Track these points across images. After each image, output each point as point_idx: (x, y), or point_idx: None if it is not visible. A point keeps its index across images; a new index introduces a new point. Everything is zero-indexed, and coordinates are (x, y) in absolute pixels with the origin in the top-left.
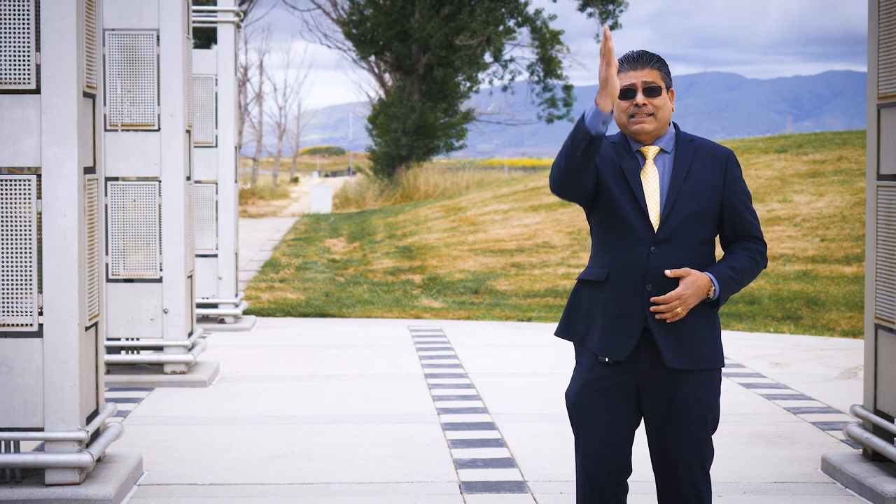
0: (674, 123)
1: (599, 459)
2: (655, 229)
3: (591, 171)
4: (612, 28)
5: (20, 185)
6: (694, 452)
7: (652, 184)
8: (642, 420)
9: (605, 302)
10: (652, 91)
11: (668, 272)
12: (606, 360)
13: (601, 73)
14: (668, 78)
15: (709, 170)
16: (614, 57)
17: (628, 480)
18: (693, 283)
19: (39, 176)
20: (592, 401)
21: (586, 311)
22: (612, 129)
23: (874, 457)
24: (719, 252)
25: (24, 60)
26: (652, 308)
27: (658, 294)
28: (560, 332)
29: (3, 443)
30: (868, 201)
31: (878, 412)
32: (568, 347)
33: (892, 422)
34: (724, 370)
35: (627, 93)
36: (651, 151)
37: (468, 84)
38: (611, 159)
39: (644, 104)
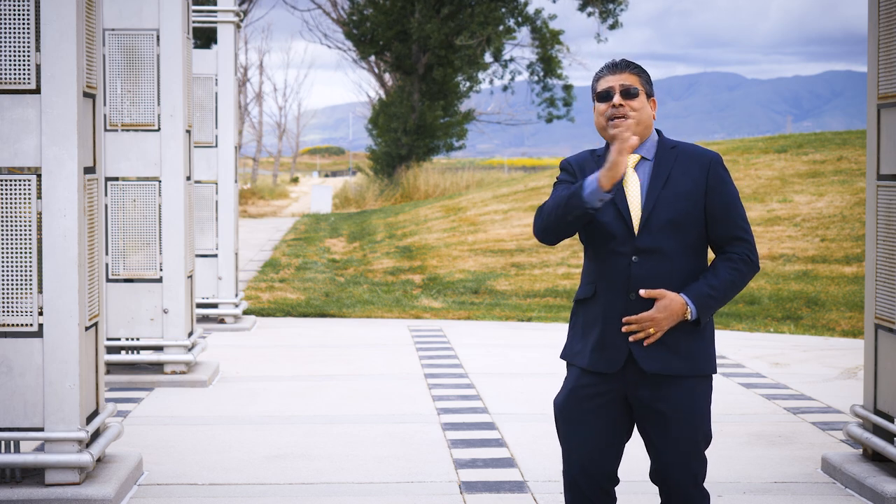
0: (657, 130)
1: (582, 467)
2: (635, 238)
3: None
4: (612, 28)
5: (20, 185)
6: (684, 463)
7: (633, 192)
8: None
9: (595, 317)
10: (629, 94)
11: (642, 292)
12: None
13: (612, 154)
14: (647, 85)
15: (691, 175)
16: (628, 145)
17: (618, 489)
18: (666, 307)
19: (39, 176)
20: (578, 408)
21: (584, 329)
22: (598, 143)
23: (874, 457)
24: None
25: (24, 60)
26: (624, 328)
27: (640, 305)
28: (563, 355)
29: (3, 443)
30: (868, 201)
31: (878, 412)
32: None
33: (892, 422)
34: (724, 370)
35: (605, 96)
36: (632, 159)
37: (468, 84)
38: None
39: (621, 105)
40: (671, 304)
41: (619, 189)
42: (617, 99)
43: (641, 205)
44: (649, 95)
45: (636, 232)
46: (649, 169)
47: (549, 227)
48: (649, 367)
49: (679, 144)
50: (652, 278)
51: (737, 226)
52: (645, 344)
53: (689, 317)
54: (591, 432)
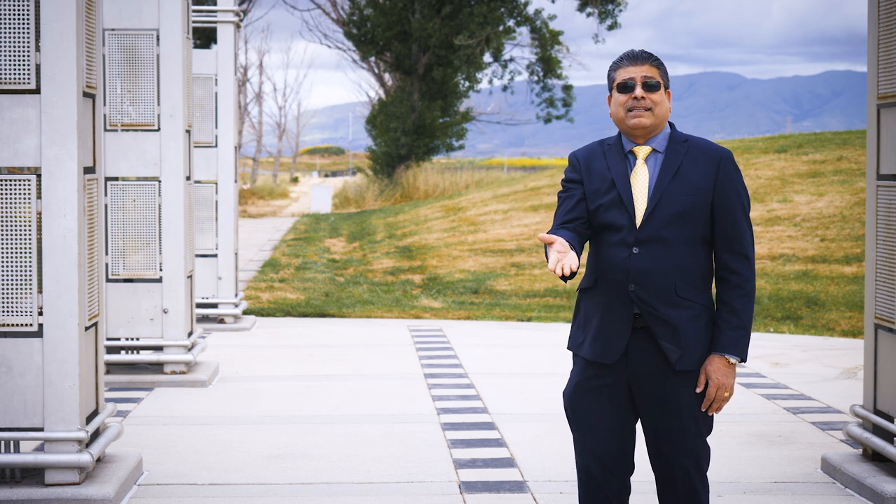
0: (670, 123)
1: (594, 456)
2: (637, 229)
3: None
4: (611, 28)
5: (20, 185)
6: (689, 453)
7: (641, 184)
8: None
9: (595, 307)
10: (650, 86)
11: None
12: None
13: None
14: (665, 77)
15: (700, 169)
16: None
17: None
18: (715, 378)
19: (39, 176)
20: (585, 399)
21: (584, 319)
22: (611, 131)
23: (874, 457)
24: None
25: (24, 60)
26: (710, 411)
27: (641, 294)
28: (568, 346)
29: (3, 443)
30: (868, 201)
31: (878, 412)
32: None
33: (892, 422)
34: None
35: (626, 87)
36: (642, 151)
37: (468, 84)
38: (598, 170)
39: (642, 97)
40: (716, 373)
41: (625, 181)
42: (639, 91)
43: (648, 196)
44: (666, 88)
45: (639, 223)
46: (660, 161)
47: None
48: (643, 358)
49: (690, 138)
50: (652, 270)
51: (738, 238)
52: (718, 411)
53: (734, 362)
54: (601, 420)
